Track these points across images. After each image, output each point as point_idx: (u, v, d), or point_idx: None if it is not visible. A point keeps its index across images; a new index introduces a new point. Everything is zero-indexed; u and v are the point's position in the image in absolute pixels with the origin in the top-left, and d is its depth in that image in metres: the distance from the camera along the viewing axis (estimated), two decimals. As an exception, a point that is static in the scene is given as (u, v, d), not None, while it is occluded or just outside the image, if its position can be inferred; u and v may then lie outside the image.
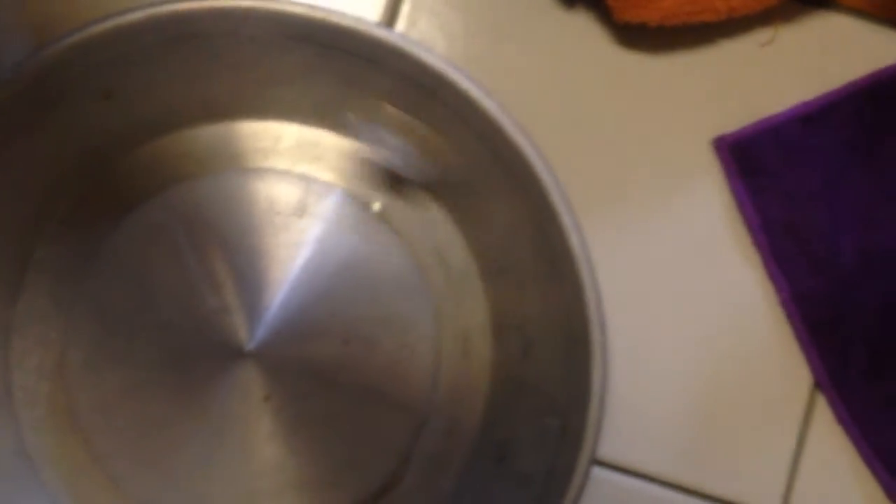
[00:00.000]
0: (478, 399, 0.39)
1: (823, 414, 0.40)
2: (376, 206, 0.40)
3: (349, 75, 0.37)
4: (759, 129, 0.40)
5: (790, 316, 0.40)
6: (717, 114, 0.41)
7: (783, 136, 0.40)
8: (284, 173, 0.40)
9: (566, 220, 0.35)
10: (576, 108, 0.41)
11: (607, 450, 0.40)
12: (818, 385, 0.40)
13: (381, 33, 0.36)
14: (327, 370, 0.38)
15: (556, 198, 0.36)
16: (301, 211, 0.39)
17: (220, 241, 0.39)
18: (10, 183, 0.38)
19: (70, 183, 0.39)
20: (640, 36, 0.41)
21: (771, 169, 0.40)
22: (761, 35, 0.41)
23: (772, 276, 0.40)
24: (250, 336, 0.38)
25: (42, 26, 0.39)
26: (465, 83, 0.35)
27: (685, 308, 0.40)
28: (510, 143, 0.36)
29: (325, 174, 0.40)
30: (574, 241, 0.36)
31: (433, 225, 0.40)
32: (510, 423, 0.39)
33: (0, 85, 0.35)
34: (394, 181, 0.40)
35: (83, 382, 0.39)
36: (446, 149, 0.38)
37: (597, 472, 0.40)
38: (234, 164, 0.40)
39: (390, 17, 0.41)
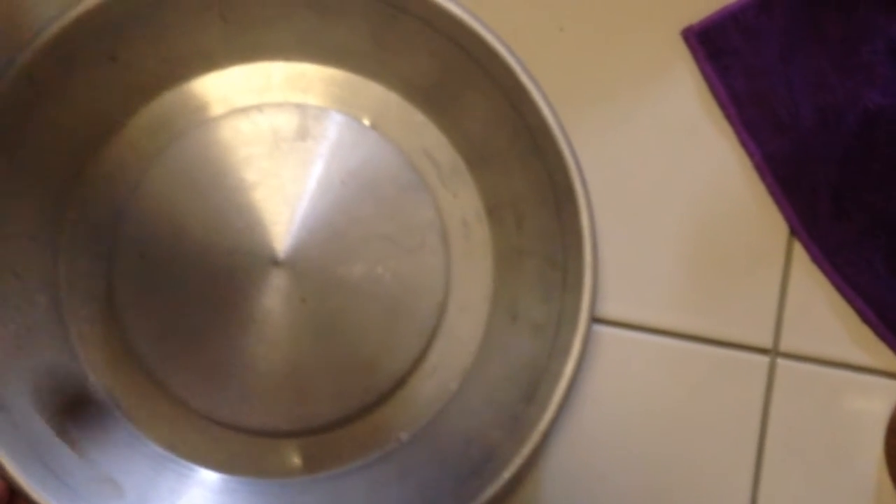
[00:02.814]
0: (485, 273, 0.44)
1: (801, 257, 0.44)
2: (366, 120, 0.45)
3: (324, 6, 0.42)
4: (721, 15, 0.45)
5: (762, 175, 0.45)
6: (685, 6, 0.45)
7: (742, 20, 0.45)
8: (281, 105, 0.44)
9: (536, 94, 0.40)
10: (549, 12, 0.45)
11: (610, 309, 0.44)
12: (793, 232, 0.45)
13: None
14: (353, 269, 0.43)
15: (525, 78, 0.41)
16: (303, 134, 0.44)
17: (236, 172, 0.43)
18: (36, 150, 0.41)
19: (90, 146, 0.43)
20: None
21: (734, 49, 0.45)
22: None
23: (743, 143, 0.45)
24: (281, 247, 0.42)
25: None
26: (431, -9, 0.40)
27: (670, 180, 0.45)
28: (478, 37, 0.40)
29: (317, 100, 0.44)
30: (546, 112, 0.40)
31: (419, 130, 0.45)
32: (517, 287, 0.44)
33: (15, 61, 0.39)
34: (379, 97, 0.44)
35: (133, 319, 0.43)
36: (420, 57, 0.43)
37: (602, 329, 0.44)
38: (234, 104, 0.44)
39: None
